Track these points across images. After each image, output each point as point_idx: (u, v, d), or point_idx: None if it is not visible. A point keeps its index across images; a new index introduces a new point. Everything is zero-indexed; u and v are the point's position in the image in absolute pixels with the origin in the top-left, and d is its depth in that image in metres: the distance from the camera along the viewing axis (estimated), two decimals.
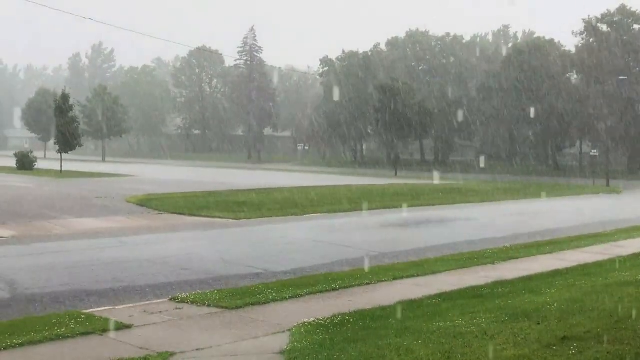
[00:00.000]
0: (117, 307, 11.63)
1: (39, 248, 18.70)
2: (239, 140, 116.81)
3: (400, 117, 72.14)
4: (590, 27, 76.98)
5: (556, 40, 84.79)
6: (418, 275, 14.51)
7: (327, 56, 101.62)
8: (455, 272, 15.05)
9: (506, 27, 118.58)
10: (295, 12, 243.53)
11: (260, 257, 17.53)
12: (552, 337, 8.45)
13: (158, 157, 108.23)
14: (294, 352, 8.59)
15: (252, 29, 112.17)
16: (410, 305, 11.42)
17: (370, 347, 8.48)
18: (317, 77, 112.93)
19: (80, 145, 59.46)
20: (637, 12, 76.18)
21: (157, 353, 8.81)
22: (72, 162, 63.56)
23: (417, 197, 37.04)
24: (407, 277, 14.34)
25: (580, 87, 76.57)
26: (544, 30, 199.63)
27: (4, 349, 8.94)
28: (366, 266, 16.13)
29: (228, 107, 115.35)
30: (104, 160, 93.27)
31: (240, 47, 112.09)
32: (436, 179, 49.18)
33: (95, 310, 11.25)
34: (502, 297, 11.71)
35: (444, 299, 11.97)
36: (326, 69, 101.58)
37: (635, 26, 76.25)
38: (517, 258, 17.15)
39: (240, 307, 11.41)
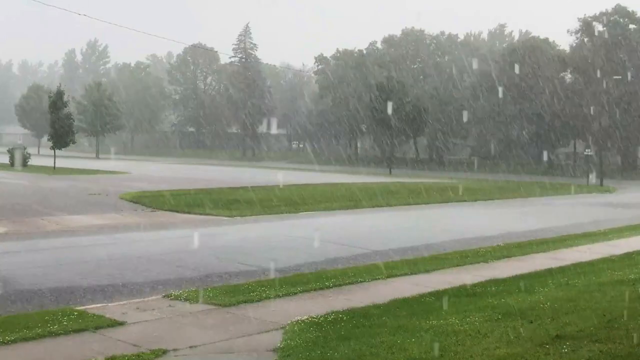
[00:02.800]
0: (110, 304, 11.61)
1: (31, 245, 18.65)
2: (233, 137, 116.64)
3: (395, 116, 72.19)
4: (585, 26, 77.09)
5: (551, 40, 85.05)
6: (412, 274, 14.52)
7: (322, 54, 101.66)
8: (449, 271, 15.07)
9: (502, 26, 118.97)
10: (290, 10, 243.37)
11: (253, 255, 17.52)
12: (545, 336, 8.46)
13: (152, 154, 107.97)
14: (287, 350, 8.59)
15: (247, 27, 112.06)
16: (404, 304, 11.43)
17: (364, 345, 8.49)
18: (312, 74, 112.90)
19: (74, 142, 59.26)
20: (633, 11, 76.32)
21: (150, 350, 8.79)
22: (65, 159, 63.38)
23: (411, 196, 37.04)
24: (401, 275, 14.35)
25: (575, 87, 76.72)
26: (540, 29, 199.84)
27: None
28: (360, 264, 16.15)
29: (223, 105, 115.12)
30: (97, 157, 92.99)
31: (235, 45, 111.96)
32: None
33: (88, 307, 11.23)
34: (496, 296, 11.72)
35: (438, 297, 11.97)
36: (321, 66, 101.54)
37: (631, 26, 76.41)
38: (510, 257, 17.19)
39: (234, 304, 11.40)
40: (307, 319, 10.16)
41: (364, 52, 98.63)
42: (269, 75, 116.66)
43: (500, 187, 46.22)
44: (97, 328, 9.84)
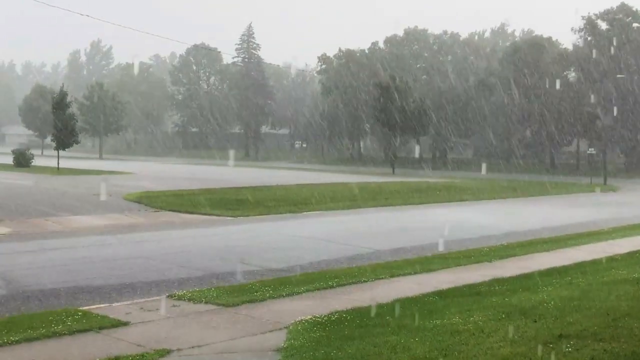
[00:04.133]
0: (114, 304, 11.62)
1: (36, 245, 18.68)
2: (236, 137, 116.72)
3: (398, 115, 72.14)
4: (589, 25, 76.95)
5: (554, 39, 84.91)
6: (415, 273, 14.51)
7: (325, 54, 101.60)
8: (452, 270, 15.06)
9: (504, 25, 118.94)
10: (293, 10, 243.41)
11: (257, 255, 17.53)
12: (548, 335, 8.45)
13: (155, 154, 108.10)
14: (291, 350, 8.59)
15: (249, 27, 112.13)
16: (407, 303, 11.42)
17: (367, 344, 8.49)
18: (315, 74, 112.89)
19: (78, 143, 59.37)
20: (638, 10, 76.09)
21: (154, 350, 8.80)
22: (69, 159, 63.48)
23: (415, 195, 37.04)
24: (405, 274, 14.34)
25: (578, 85, 76.61)
26: (542, 28, 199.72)
27: (0, 346, 8.93)
28: (363, 263, 16.16)
29: (226, 105, 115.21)
30: (101, 157, 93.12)
31: (238, 45, 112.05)
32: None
33: (92, 308, 11.25)
34: (499, 295, 11.72)
35: (441, 296, 11.97)
36: (324, 66, 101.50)
37: (635, 24, 76.23)
38: (514, 256, 17.16)
39: (238, 304, 11.41)
40: (311, 318, 10.17)
41: (367, 51, 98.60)
42: (271, 75, 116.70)
43: (504, 186, 46.23)
44: (101, 328, 9.86)
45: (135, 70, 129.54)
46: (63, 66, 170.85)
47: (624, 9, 76.05)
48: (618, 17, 75.77)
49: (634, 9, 76.19)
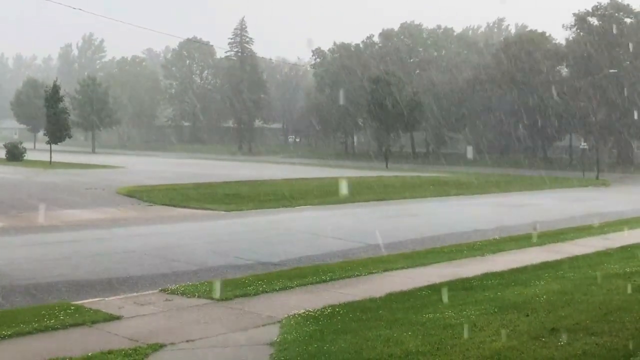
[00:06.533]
0: (106, 299, 11.60)
1: (28, 239, 18.62)
2: (229, 132, 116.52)
3: (392, 110, 72.14)
4: (581, 21, 77.09)
5: (547, 34, 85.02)
6: (408, 267, 14.55)
7: (320, 47, 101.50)
8: (444, 264, 15.09)
9: (500, 20, 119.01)
10: (286, 3, 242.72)
11: (250, 249, 17.53)
12: (541, 329, 8.49)
13: (148, 148, 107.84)
14: (284, 344, 8.61)
15: (242, 20, 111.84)
16: (400, 297, 11.45)
17: (360, 338, 8.51)
18: (309, 68, 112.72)
19: (70, 137, 59.18)
20: (629, 5, 76.30)
21: (147, 344, 8.80)
22: (61, 153, 63.22)
23: (408, 190, 37.07)
24: (397, 269, 14.37)
25: (571, 80, 76.72)
26: (537, 23, 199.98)
27: None
28: (356, 258, 16.18)
29: (219, 99, 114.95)
30: (93, 152, 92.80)
31: (231, 39, 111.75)
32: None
33: (85, 302, 11.22)
34: (492, 289, 11.75)
35: (434, 290, 11.99)
36: (318, 60, 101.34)
37: (626, 19, 76.39)
38: (506, 250, 17.21)
39: (231, 298, 11.41)
40: (304, 312, 10.18)
41: (361, 46, 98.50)
42: (265, 69, 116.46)
43: (498, 181, 46.33)
44: (93, 322, 9.84)
45: (128, 64, 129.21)
46: (55, 59, 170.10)
47: (614, 4, 76.17)
48: (608, 13, 75.90)
49: (624, 3, 76.36)
